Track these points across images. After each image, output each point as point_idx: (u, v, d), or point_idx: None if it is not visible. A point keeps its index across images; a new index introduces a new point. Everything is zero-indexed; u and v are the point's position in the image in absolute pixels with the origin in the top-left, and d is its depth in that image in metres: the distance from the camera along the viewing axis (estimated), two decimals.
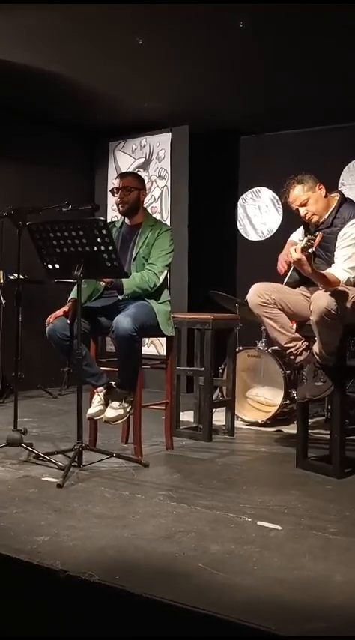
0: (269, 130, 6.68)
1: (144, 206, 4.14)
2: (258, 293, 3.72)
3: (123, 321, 3.60)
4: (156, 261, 3.89)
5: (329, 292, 3.36)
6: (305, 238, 3.31)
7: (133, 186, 3.97)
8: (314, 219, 3.71)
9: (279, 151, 6.60)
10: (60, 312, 3.81)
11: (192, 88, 5.69)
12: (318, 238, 3.27)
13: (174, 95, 5.89)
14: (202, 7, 4.14)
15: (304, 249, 3.27)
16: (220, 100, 6.00)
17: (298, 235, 4.05)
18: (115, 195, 3.99)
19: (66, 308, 3.82)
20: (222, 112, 6.32)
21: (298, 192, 3.69)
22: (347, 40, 4.57)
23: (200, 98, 5.95)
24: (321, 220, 3.71)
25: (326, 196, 3.70)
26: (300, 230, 4.02)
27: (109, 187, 7.03)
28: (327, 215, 3.69)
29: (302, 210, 3.71)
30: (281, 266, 3.96)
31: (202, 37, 4.63)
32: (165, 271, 3.94)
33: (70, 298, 3.90)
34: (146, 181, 6.82)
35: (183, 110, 6.26)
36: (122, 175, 4.10)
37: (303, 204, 3.69)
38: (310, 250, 3.26)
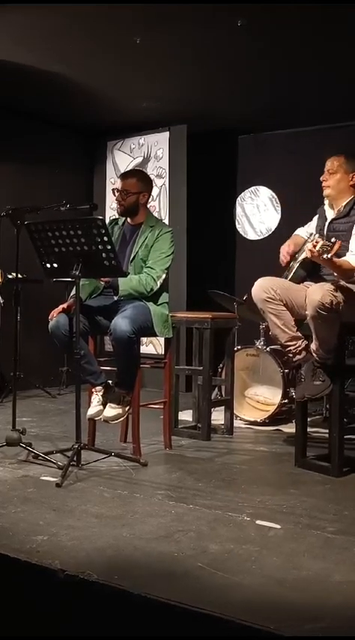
0: (267, 129, 6.68)
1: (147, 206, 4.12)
2: (264, 288, 3.70)
3: (121, 323, 3.60)
4: (155, 265, 3.88)
5: (329, 285, 3.38)
6: (322, 242, 3.28)
7: (132, 190, 3.96)
8: (326, 191, 3.83)
9: (278, 150, 6.60)
10: (61, 308, 3.81)
11: (191, 87, 5.69)
12: (336, 247, 3.26)
13: (172, 94, 5.88)
14: (201, 7, 4.13)
15: (320, 254, 3.28)
16: (218, 99, 5.99)
17: (306, 231, 4.06)
18: (115, 195, 3.99)
19: (66, 305, 3.82)
20: (220, 111, 6.31)
21: (335, 162, 3.80)
22: (346, 40, 4.57)
23: (198, 97, 5.94)
24: (338, 208, 3.78)
25: (353, 186, 3.78)
26: (311, 225, 4.03)
27: (108, 186, 7.07)
28: (344, 204, 3.76)
29: (323, 176, 3.83)
30: (284, 258, 3.97)
31: (201, 36, 4.62)
32: (164, 275, 3.93)
33: (71, 295, 3.89)
34: None
35: (181, 109, 6.26)
36: (123, 176, 4.07)
37: (329, 172, 3.81)
38: (325, 256, 3.27)
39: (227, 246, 6.96)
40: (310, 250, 3.33)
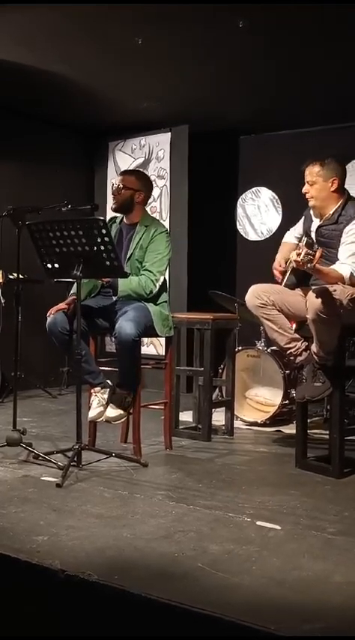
0: (268, 130, 6.67)
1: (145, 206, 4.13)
2: (256, 294, 3.73)
3: (126, 326, 3.60)
4: (152, 267, 3.87)
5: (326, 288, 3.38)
6: (304, 251, 3.27)
7: (128, 186, 3.97)
8: (311, 202, 3.79)
9: (279, 150, 6.59)
10: (60, 306, 3.82)
11: (192, 87, 5.68)
12: (318, 254, 3.26)
13: (173, 95, 5.88)
14: (202, 7, 4.13)
15: (304, 264, 3.27)
16: (220, 99, 5.99)
17: (294, 234, 4.06)
18: (112, 189, 4.02)
19: (65, 304, 3.82)
20: (221, 112, 6.31)
21: (312, 171, 3.75)
22: (347, 40, 4.57)
23: (199, 98, 5.94)
24: (326, 216, 3.75)
25: (335, 192, 3.73)
26: (298, 227, 4.02)
27: (109, 187, 7.06)
28: (333, 211, 3.72)
29: (305, 187, 3.78)
30: (277, 278, 3.94)
31: (202, 36, 4.62)
32: (162, 277, 3.93)
33: (70, 294, 3.89)
34: None
35: (182, 110, 6.26)
36: (123, 173, 4.17)
37: (309, 184, 3.76)
38: (309, 265, 3.26)
39: (228, 247, 6.95)
40: (295, 260, 3.33)
